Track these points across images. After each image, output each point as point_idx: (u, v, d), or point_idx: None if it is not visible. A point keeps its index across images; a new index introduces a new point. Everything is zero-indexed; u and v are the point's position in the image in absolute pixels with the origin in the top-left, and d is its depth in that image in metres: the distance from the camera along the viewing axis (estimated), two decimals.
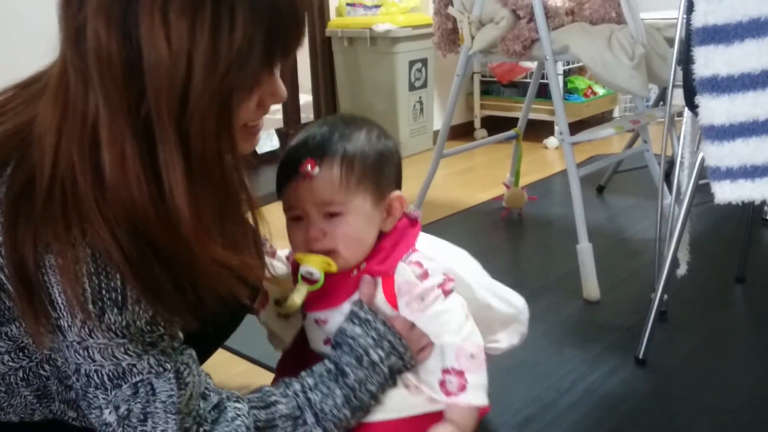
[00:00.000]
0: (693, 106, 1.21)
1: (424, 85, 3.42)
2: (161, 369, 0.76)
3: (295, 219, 0.98)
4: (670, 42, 1.88)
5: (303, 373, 0.93)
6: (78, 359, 0.75)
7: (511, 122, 2.78)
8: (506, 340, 1.10)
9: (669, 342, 1.55)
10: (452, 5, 1.96)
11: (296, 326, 1.05)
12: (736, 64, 1.13)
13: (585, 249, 1.77)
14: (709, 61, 1.15)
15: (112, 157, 0.69)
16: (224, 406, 0.83)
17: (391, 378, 0.95)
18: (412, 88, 3.35)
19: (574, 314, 1.72)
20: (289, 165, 0.97)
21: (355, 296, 0.98)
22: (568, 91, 3.50)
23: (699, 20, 1.15)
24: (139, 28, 0.66)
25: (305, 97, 3.50)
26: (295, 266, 1.02)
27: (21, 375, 0.82)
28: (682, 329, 1.61)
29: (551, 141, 3.38)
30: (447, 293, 0.98)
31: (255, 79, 0.74)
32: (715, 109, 1.16)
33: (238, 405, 0.84)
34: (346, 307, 0.98)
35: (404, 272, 0.98)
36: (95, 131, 0.70)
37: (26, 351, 0.80)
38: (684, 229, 1.46)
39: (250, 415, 0.84)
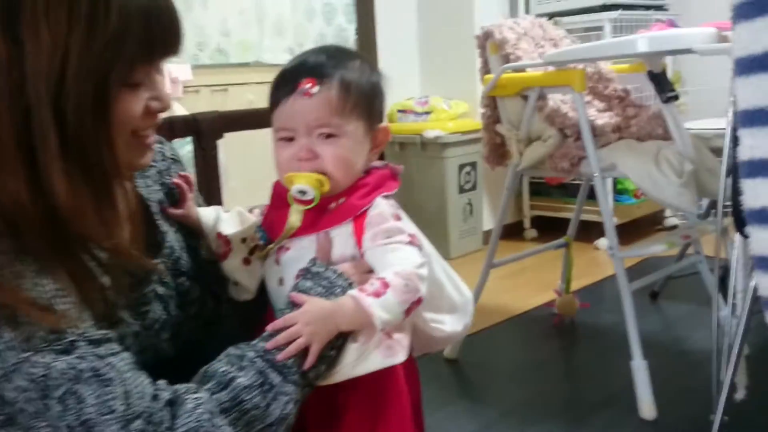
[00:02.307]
0: (744, 234, 1.22)
1: (474, 188, 3.48)
2: (76, 372, 0.75)
3: (284, 140, 0.97)
4: (718, 152, 1.90)
5: (255, 341, 0.89)
6: (11, 395, 0.76)
7: (562, 222, 2.79)
8: (450, 324, 1.06)
9: None
10: (500, 123, 2.03)
11: (259, 272, 1.03)
12: None
13: (639, 366, 1.75)
14: (758, 193, 1.15)
15: None
16: (182, 399, 0.80)
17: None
18: (461, 190, 3.41)
19: None
20: (286, 83, 0.96)
21: (332, 230, 0.96)
22: (618, 192, 3.50)
23: (745, 154, 1.16)
24: (20, 25, 0.75)
25: None
26: (279, 193, 1.00)
27: None
28: None
29: (602, 242, 3.37)
30: (412, 244, 0.94)
31: (132, 66, 0.80)
32: (767, 240, 1.16)
33: (197, 395, 0.81)
34: (313, 237, 0.96)
35: (381, 205, 0.96)
36: None
37: None
38: (741, 354, 1.44)
39: (211, 401, 0.81)
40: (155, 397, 0.79)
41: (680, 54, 2.27)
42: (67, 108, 0.76)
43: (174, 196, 1.08)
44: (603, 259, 3.24)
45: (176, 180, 1.08)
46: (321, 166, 0.95)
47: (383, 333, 0.91)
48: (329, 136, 0.95)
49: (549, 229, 3.53)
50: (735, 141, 1.21)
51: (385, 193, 0.99)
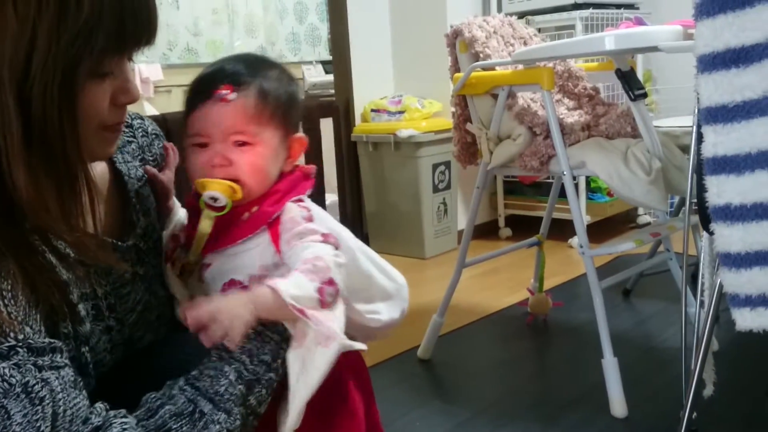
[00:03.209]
0: (710, 231, 1.22)
1: (448, 187, 3.47)
2: (7, 385, 0.71)
3: (198, 146, 0.96)
4: (687, 149, 1.91)
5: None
6: None
7: (536, 221, 2.79)
8: (387, 312, 1.06)
9: None
10: (471, 122, 2.02)
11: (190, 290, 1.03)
12: (748, 193, 1.14)
13: (610, 364, 1.75)
14: (722, 190, 1.17)
15: None
16: (109, 423, 0.77)
17: (285, 342, 0.90)
18: (435, 190, 3.40)
19: None
20: (202, 89, 0.96)
21: (246, 243, 0.95)
22: (591, 191, 3.52)
23: (709, 151, 1.17)
24: None
25: (331, 197, 3.58)
26: (192, 205, 1.00)
27: None
28: None
29: (576, 240, 3.37)
30: (326, 241, 0.95)
31: (102, 57, 0.77)
32: (731, 237, 1.16)
33: (125, 420, 0.78)
34: (231, 250, 0.96)
35: (291, 210, 0.97)
36: None
37: None
38: (708, 350, 1.44)
39: (138, 427, 0.78)
40: (86, 421, 0.76)
41: (647, 52, 2.28)
42: (33, 97, 0.73)
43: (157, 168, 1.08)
44: (577, 258, 3.25)
45: (167, 144, 1.08)
46: (234, 173, 0.95)
47: (309, 320, 0.87)
48: (244, 143, 0.95)
49: (524, 227, 3.54)
50: (701, 138, 1.21)
51: (296, 197, 1.00)
